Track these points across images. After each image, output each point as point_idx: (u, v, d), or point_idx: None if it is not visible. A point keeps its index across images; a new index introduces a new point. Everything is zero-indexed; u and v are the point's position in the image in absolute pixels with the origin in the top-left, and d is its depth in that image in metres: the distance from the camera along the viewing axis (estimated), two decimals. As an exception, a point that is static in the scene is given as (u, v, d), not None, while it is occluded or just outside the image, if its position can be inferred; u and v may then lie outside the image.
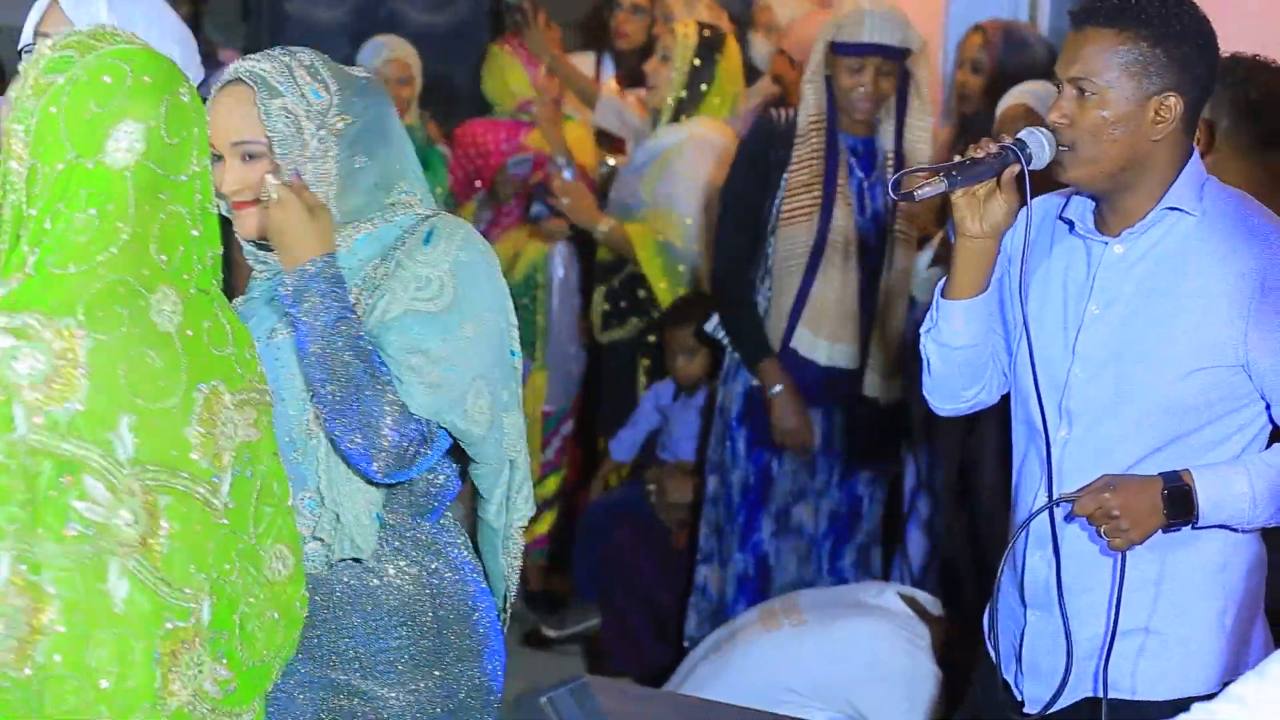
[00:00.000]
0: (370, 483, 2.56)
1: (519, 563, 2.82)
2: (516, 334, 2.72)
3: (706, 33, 5.38)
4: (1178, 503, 2.70)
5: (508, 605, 2.80)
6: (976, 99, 5.26)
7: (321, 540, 2.54)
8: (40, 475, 1.88)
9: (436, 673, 2.63)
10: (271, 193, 2.51)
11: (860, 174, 4.66)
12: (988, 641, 3.00)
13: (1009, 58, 5.19)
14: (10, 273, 1.96)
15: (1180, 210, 2.76)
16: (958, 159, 2.70)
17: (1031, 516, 2.80)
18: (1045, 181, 2.82)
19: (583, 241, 5.67)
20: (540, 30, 5.80)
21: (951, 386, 2.93)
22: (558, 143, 5.64)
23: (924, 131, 4.65)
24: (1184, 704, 2.67)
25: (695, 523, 4.95)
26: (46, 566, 1.87)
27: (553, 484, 5.77)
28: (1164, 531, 2.73)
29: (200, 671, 1.96)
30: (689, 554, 4.95)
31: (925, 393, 2.97)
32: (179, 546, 1.94)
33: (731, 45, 5.42)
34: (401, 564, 2.64)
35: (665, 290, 5.33)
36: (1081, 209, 2.84)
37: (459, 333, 2.60)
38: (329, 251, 2.55)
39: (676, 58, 5.35)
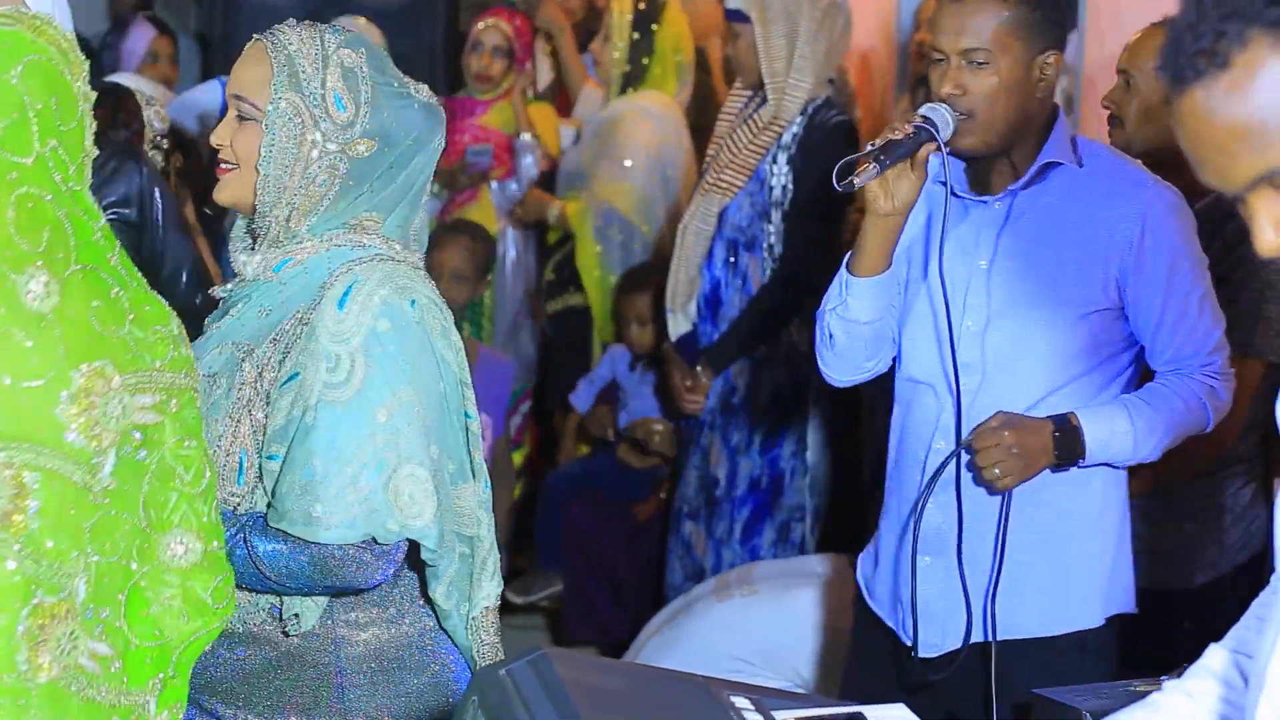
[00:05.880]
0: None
1: (494, 641, 2.48)
2: (470, 394, 2.45)
3: (642, 5, 5.39)
4: (1067, 443, 2.82)
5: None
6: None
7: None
8: None
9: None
10: None
11: None
12: (865, 592, 3.10)
13: None
14: None
15: (1059, 164, 2.86)
16: (880, 142, 2.77)
17: (943, 465, 2.88)
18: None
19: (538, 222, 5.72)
20: (551, 3, 5.78)
21: (855, 359, 3.00)
22: (524, 119, 5.64)
23: (737, 100, 4.55)
24: (1072, 638, 2.92)
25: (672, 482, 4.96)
26: None
27: (516, 460, 5.81)
28: (1052, 471, 2.85)
29: (75, 647, 1.90)
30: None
31: (823, 366, 3.02)
32: (49, 523, 1.88)
33: (671, 13, 5.42)
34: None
35: (592, 264, 5.36)
36: (955, 173, 2.91)
37: (372, 422, 2.30)
38: None
39: (615, 35, 5.37)
